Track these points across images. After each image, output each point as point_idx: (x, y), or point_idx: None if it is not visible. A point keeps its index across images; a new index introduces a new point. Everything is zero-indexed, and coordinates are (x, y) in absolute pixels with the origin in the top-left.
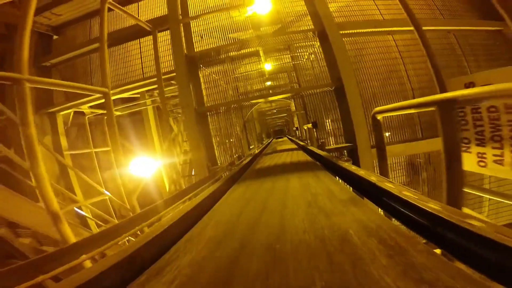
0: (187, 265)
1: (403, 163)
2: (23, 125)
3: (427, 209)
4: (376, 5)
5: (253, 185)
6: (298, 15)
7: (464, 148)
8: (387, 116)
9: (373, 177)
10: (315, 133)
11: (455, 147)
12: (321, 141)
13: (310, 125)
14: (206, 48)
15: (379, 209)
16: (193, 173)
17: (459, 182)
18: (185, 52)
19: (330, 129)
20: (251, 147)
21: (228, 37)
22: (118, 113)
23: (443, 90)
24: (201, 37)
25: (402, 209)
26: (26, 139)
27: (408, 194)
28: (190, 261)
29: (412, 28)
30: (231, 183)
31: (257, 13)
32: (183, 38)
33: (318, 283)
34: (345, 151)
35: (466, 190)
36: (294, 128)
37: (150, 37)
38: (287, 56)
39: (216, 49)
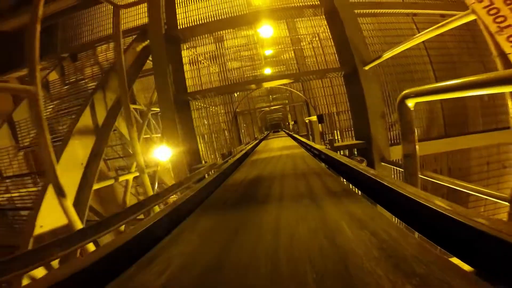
0: (262, 148)
1: None
2: None
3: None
4: None
5: (268, 141)
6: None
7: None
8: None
9: (294, 134)
10: (296, 126)
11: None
12: (296, 130)
13: (293, 122)
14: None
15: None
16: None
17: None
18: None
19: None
20: (256, 136)
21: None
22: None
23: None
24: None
25: (297, 139)
26: None
27: (302, 139)
28: (263, 147)
29: None
30: (262, 140)
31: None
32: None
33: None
34: (310, 136)
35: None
36: (287, 123)
37: None
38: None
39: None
